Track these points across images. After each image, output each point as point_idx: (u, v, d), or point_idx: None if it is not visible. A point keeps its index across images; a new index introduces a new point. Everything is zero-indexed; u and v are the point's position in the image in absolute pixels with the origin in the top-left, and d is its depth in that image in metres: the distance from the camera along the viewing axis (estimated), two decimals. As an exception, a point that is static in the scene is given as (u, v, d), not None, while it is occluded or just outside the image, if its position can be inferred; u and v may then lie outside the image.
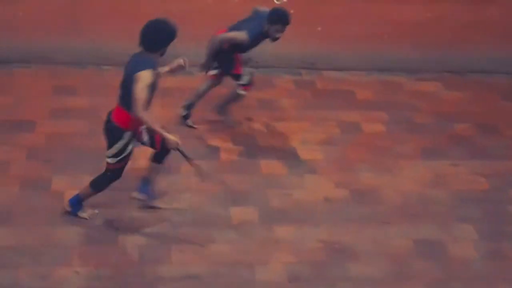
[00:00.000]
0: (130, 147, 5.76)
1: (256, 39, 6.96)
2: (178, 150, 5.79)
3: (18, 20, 8.11)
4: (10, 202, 6.21)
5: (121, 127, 5.66)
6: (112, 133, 5.70)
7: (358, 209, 6.59)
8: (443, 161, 7.33)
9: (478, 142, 7.71)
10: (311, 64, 8.61)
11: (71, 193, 6.12)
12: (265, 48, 8.45)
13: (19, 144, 6.93)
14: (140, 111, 5.42)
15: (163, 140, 5.69)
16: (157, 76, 5.58)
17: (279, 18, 6.90)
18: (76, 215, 6.06)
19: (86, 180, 6.09)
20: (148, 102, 5.55)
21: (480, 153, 7.54)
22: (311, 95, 8.27)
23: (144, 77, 5.41)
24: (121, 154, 5.74)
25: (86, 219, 6.06)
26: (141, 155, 6.34)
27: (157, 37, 5.53)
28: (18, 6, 8.06)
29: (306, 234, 6.23)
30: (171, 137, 5.64)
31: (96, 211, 6.12)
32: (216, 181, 6.64)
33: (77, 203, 6.05)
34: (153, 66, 5.51)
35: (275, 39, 6.99)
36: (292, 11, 8.27)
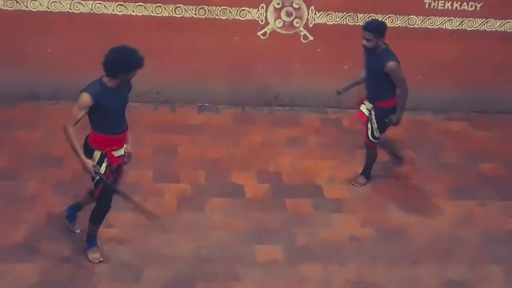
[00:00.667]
0: (102, 168, 5.74)
1: None
2: (99, 175, 5.71)
3: (48, 56, 8.24)
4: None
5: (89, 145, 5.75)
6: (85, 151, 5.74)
7: (385, 248, 6.52)
8: (471, 201, 7.24)
9: (506, 182, 7.63)
10: (337, 103, 8.61)
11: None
12: (292, 86, 8.54)
13: (47, 179, 6.98)
14: (65, 124, 5.49)
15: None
16: (104, 99, 5.56)
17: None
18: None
19: (112, 217, 6.09)
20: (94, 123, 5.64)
21: (508, 193, 7.45)
22: (337, 133, 8.26)
23: (80, 97, 5.52)
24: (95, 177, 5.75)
25: (90, 261, 6.02)
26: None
27: (114, 64, 5.55)
28: (48, 42, 8.20)
29: (332, 273, 6.16)
30: (86, 160, 5.59)
31: (101, 259, 6.05)
32: (242, 218, 6.64)
33: (89, 241, 6.07)
34: (92, 90, 5.54)
35: None
36: (318, 50, 8.39)
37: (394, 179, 7.51)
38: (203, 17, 8.12)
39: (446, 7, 8.42)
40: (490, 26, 8.55)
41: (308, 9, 8.27)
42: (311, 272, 6.15)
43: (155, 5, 8.09)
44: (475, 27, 8.53)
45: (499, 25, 8.56)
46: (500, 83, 8.81)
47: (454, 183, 7.52)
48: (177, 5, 8.10)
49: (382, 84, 6.86)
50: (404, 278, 6.21)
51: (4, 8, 8.03)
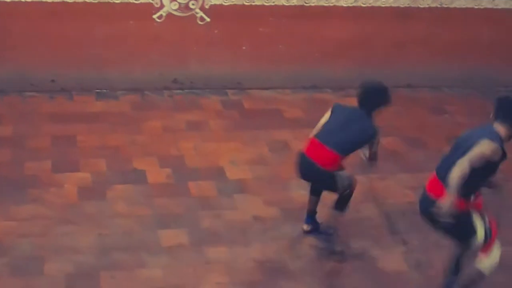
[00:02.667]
0: None
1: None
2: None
3: None
4: None
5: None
6: None
7: (290, 227, 6.57)
8: (372, 175, 7.37)
9: (404, 155, 7.81)
10: (238, 84, 8.62)
11: (-6, 224, 5.96)
12: (190, 69, 8.48)
13: None
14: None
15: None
16: None
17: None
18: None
19: (11, 210, 5.91)
20: None
21: (406, 166, 7.63)
22: (239, 115, 8.26)
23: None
24: None
25: None
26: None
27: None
28: None
29: (238, 254, 6.18)
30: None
31: None
32: (145, 205, 6.57)
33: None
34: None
35: None
36: (216, 31, 8.35)
37: (294, 158, 7.54)
38: (96, 1, 7.93)
39: (340, -16, 8.55)
40: (383, 2, 8.70)
41: (203, -10, 8.23)
42: (217, 254, 6.15)
43: (46, -9, 7.87)
44: (369, 4, 8.66)
45: (393, 1, 8.72)
46: (395, 59, 8.99)
47: (354, 158, 7.60)
48: (69, -10, 7.91)
49: None
50: (309, 254, 6.28)
51: None
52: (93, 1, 7.94)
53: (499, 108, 5.43)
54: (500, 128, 5.35)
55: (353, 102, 8.55)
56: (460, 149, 5.33)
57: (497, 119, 5.40)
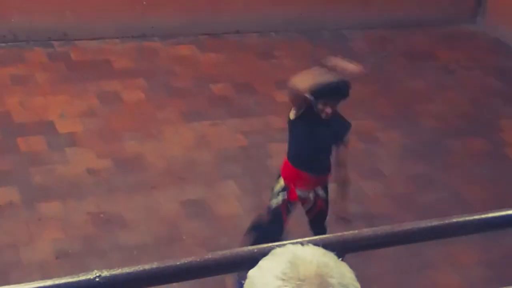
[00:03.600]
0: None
1: None
2: None
3: None
4: None
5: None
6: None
7: (124, 178, 6.55)
8: (204, 122, 7.46)
9: (236, 101, 7.94)
10: (64, 35, 8.37)
11: None
12: (12, 20, 8.12)
13: None
14: None
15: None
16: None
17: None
18: None
19: None
20: None
21: (237, 111, 7.76)
22: (66, 67, 8.03)
23: None
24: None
25: None
26: None
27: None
28: None
29: (72, 208, 6.09)
30: None
31: None
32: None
33: None
34: None
35: None
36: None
37: (125, 108, 7.50)
38: None
39: None
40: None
41: None
42: (50, 210, 6.04)
43: None
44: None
45: None
46: (224, 5, 9.03)
47: (186, 106, 7.69)
48: None
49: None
50: (144, 204, 6.31)
51: None
52: None
53: None
54: None
55: (183, 49, 8.71)
56: None
57: None
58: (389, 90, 8.59)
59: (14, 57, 7.94)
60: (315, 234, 5.24)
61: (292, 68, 8.69)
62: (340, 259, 1.88)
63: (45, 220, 5.94)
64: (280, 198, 5.31)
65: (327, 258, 1.86)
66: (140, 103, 7.64)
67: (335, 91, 4.95)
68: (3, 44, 8.17)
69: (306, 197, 5.34)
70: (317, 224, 5.43)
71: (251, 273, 1.90)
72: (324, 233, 5.27)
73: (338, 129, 5.20)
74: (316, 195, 5.34)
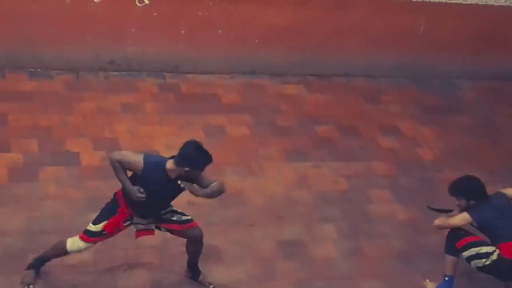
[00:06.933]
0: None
1: None
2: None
3: None
4: None
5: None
6: None
7: (223, 212, 6.58)
8: (306, 163, 7.44)
9: (339, 144, 7.89)
10: (175, 68, 8.55)
11: None
12: (127, 50, 8.37)
13: None
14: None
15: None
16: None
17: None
18: None
19: None
20: None
21: (340, 154, 7.70)
22: (175, 99, 8.20)
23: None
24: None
25: None
26: None
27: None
28: None
29: (170, 239, 6.14)
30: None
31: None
32: (77, 187, 6.49)
33: None
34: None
35: None
36: (155, 14, 8.27)
37: (229, 143, 7.57)
38: (31, -23, 7.76)
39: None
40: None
41: (142, -28, 8.13)
42: (149, 240, 6.11)
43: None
44: (308, -9, 8.70)
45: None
46: (333, 47, 9.04)
47: (289, 145, 7.69)
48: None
49: None
50: (241, 240, 6.32)
51: None
52: (28, -22, 7.77)
53: None
54: None
55: (290, 88, 8.74)
56: None
57: None
58: (497, 143, 8.38)
59: (126, 86, 8.16)
60: None
61: (399, 113, 8.62)
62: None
63: (144, 249, 6.02)
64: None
65: None
66: (244, 139, 7.70)
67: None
68: (116, 73, 8.42)
69: None
70: None
71: None
72: None
73: None
74: None
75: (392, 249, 6.53)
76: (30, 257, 5.66)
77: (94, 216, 6.14)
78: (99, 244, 5.91)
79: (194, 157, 5.27)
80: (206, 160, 5.34)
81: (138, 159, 5.27)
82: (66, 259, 5.70)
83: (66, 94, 7.88)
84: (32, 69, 8.16)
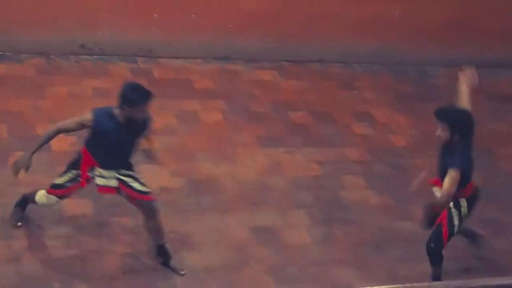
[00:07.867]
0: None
1: None
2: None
3: None
4: None
5: None
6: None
7: (196, 199, 6.54)
8: (279, 149, 7.42)
9: (313, 130, 7.87)
10: (148, 52, 8.47)
11: None
12: (99, 34, 8.26)
13: None
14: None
15: None
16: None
17: None
18: None
19: None
20: None
21: (313, 140, 7.69)
22: (147, 83, 8.04)
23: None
24: None
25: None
26: None
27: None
28: None
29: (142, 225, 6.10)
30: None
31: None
32: (47, 173, 6.41)
33: None
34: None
35: None
36: (127, -3, 8.16)
37: (203, 129, 7.52)
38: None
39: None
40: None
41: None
42: (121, 225, 6.06)
43: None
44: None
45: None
46: (308, 33, 9.01)
47: (263, 132, 7.66)
48: None
49: None
50: (214, 226, 6.28)
51: None
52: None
53: None
54: None
55: (264, 74, 8.70)
56: None
57: None
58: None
59: (98, 70, 8.07)
60: None
61: (373, 100, 8.62)
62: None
63: (116, 235, 5.96)
64: None
65: None
66: (218, 125, 7.65)
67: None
68: (88, 57, 8.31)
69: None
70: None
71: None
72: None
73: None
74: None
75: (365, 235, 6.54)
76: (1, 245, 5.59)
77: (65, 202, 6.11)
78: (70, 229, 5.87)
79: (129, 95, 5.35)
80: (141, 97, 5.38)
81: (85, 115, 5.46)
82: (39, 247, 5.64)
83: (37, 78, 7.76)
84: (1, 52, 8.03)
